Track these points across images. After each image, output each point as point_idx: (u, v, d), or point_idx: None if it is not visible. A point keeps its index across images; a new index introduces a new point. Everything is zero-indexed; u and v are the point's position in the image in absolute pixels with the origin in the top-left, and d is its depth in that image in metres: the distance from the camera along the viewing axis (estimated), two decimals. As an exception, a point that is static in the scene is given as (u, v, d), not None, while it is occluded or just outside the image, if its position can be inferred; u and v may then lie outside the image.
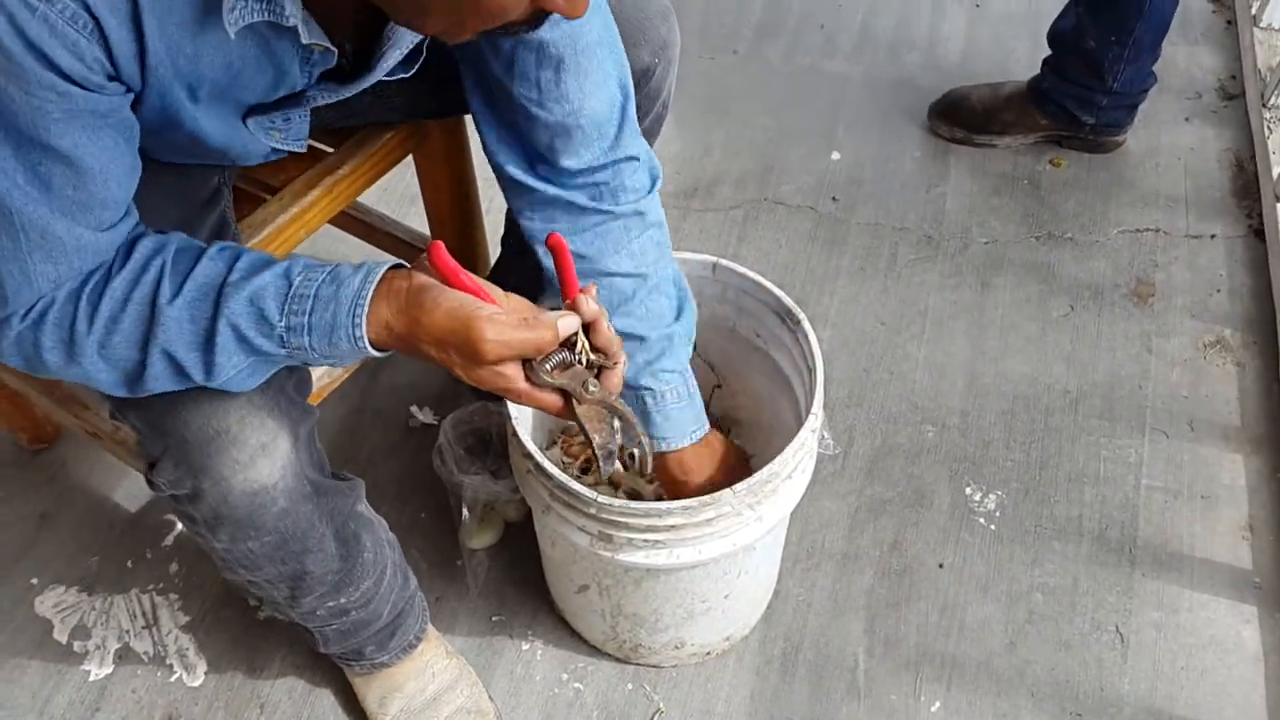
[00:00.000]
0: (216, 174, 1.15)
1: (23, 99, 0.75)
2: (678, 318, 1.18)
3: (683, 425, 1.20)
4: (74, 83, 0.76)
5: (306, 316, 0.86)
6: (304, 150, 1.16)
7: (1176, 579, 1.52)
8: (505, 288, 0.92)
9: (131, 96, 0.83)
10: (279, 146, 1.08)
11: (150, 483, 1.00)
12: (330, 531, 1.09)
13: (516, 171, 1.12)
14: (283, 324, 0.86)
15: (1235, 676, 1.43)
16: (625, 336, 1.12)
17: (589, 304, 0.92)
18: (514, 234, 1.54)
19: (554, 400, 0.92)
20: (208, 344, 0.87)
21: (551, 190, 1.11)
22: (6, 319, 0.85)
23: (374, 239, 1.63)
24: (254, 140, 1.00)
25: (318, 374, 1.41)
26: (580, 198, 1.11)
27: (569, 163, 1.08)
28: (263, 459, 0.97)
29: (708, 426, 1.24)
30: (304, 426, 1.03)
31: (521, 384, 0.90)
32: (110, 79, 0.79)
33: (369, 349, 0.87)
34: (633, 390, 1.17)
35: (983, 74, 2.22)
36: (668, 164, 2.10)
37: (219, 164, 1.11)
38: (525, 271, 1.48)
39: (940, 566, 1.54)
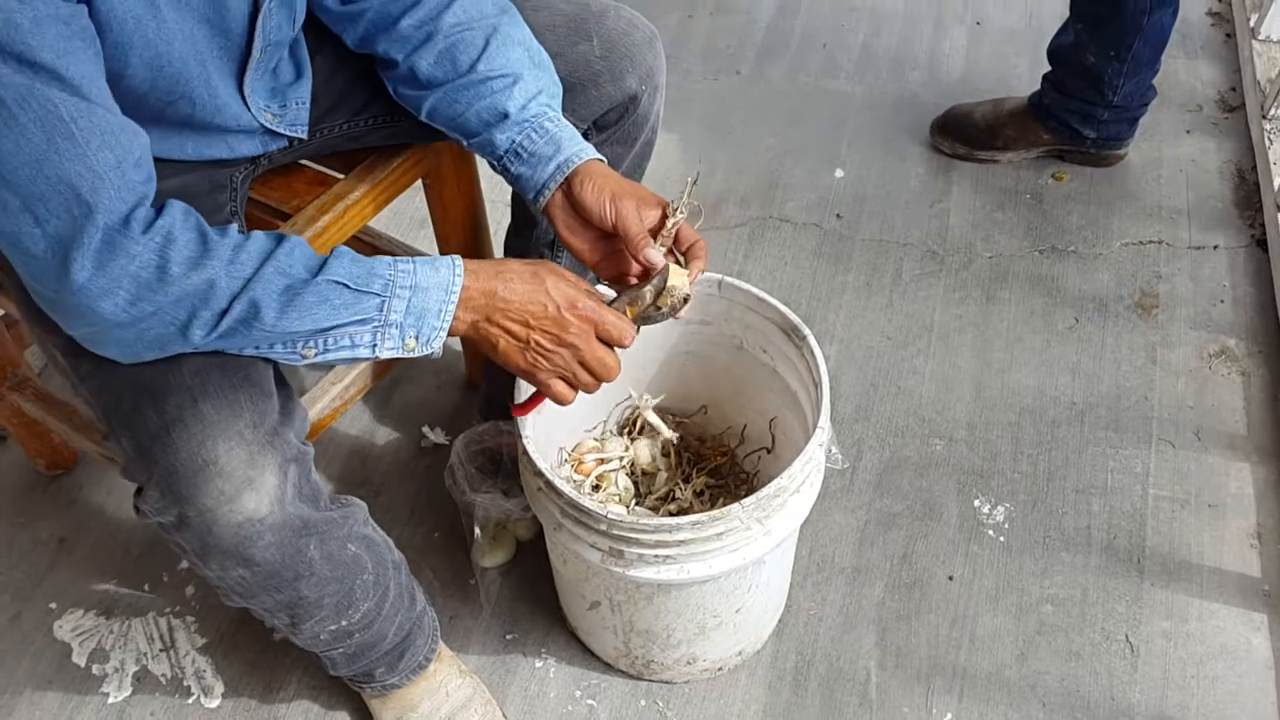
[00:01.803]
0: (228, 202, 1.18)
1: None
2: (543, 74, 1.16)
3: (585, 141, 1.15)
4: None
5: (412, 258, 0.98)
6: (305, 136, 1.21)
7: (1185, 588, 1.53)
8: None
9: (84, 8, 0.86)
10: (272, 129, 1.14)
11: (137, 509, 1.01)
12: (322, 557, 1.08)
13: (338, 4, 1.15)
14: (390, 257, 0.97)
15: (1246, 685, 1.44)
16: (497, 78, 1.12)
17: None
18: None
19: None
20: (327, 259, 0.95)
21: (377, 1, 1.14)
22: (108, 228, 0.86)
23: (384, 263, 1.65)
24: (237, 108, 1.08)
25: (323, 401, 1.42)
26: None
27: None
28: (248, 492, 0.97)
29: None
30: (295, 464, 1.03)
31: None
32: None
33: (461, 268, 0.99)
34: (528, 120, 1.13)
35: (984, 90, 2.25)
36: (674, 184, 2.12)
37: (213, 141, 1.14)
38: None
39: (950, 579, 1.55)
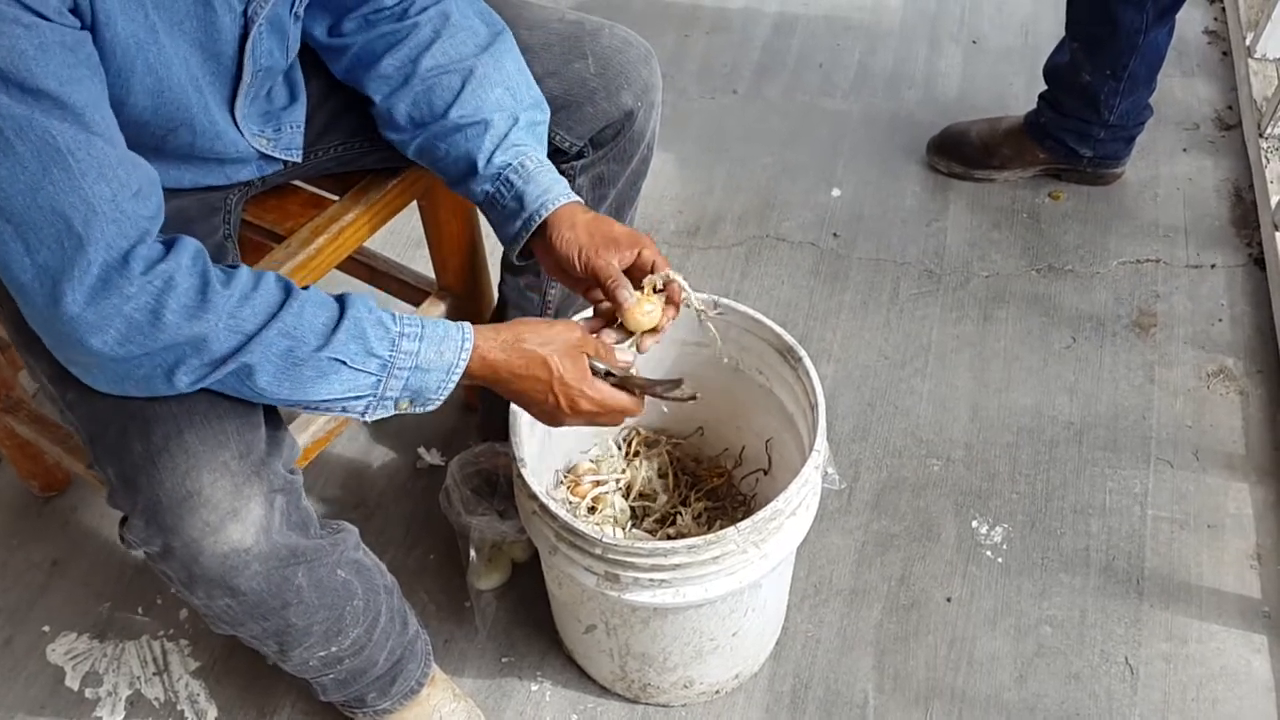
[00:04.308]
0: (222, 225, 1.17)
1: None
2: (520, 107, 1.16)
3: (557, 184, 1.13)
4: (37, 14, 0.80)
5: (419, 335, 0.97)
6: (299, 160, 1.21)
7: (1185, 609, 1.52)
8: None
9: (88, 35, 0.86)
10: (268, 153, 1.15)
11: (122, 538, 1.00)
12: (310, 584, 1.07)
13: (325, 36, 1.17)
14: (397, 329, 0.96)
15: (1247, 707, 1.43)
16: (469, 125, 1.12)
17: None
18: (510, 278, 1.55)
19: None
20: (335, 325, 0.93)
21: (362, 38, 1.15)
22: (105, 264, 0.86)
23: (379, 282, 1.65)
24: (235, 134, 1.09)
25: (316, 424, 1.42)
26: (385, 27, 1.14)
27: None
28: (233, 523, 0.96)
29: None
30: (283, 493, 1.02)
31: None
32: (70, 10, 0.83)
33: (469, 353, 0.98)
34: (495, 175, 1.13)
35: (980, 109, 2.25)
36: (670, 203, 2.12)
37: (211, 170, 1.14)
38: (529, 312, 1.50)
39: (948, 600, 1.54)
